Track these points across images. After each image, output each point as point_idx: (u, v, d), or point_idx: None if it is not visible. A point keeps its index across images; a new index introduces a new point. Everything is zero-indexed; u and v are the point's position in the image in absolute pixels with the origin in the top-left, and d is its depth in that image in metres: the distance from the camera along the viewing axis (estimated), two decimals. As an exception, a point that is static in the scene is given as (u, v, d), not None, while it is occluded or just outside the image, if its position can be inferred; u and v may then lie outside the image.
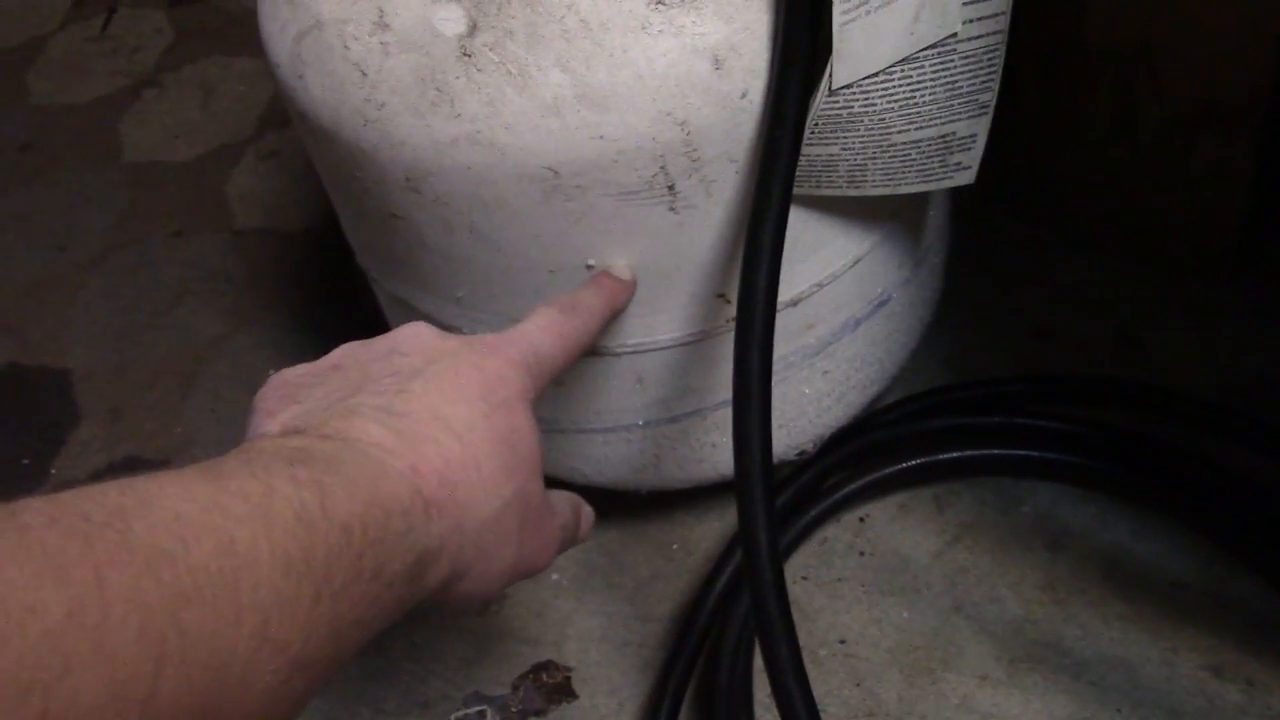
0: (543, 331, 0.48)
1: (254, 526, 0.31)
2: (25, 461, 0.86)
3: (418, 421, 0.40)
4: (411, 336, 0.45)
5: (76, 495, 0.29)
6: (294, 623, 0.31)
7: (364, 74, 0.51)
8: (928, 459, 0.69)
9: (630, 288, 0.55)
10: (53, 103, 1.21)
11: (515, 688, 0.67)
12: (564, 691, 0.67)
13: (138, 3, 1.31)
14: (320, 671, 0.33)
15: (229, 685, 0.29)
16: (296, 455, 0.36)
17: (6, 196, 1.10)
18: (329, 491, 0.34)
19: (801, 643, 0.47)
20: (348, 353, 0.46)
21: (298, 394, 0.43)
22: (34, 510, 0.28)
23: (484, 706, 0.66)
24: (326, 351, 0.47)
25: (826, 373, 0.63)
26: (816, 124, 0.50)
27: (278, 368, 0.95)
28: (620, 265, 0.55)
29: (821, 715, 0.47)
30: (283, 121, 1.11)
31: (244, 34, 1.23)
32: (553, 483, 0.68)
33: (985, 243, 0.82)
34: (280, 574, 0.31)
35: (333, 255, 0.91)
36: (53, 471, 0.86)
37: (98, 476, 0.84)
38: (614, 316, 0.54)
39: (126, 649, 0.27)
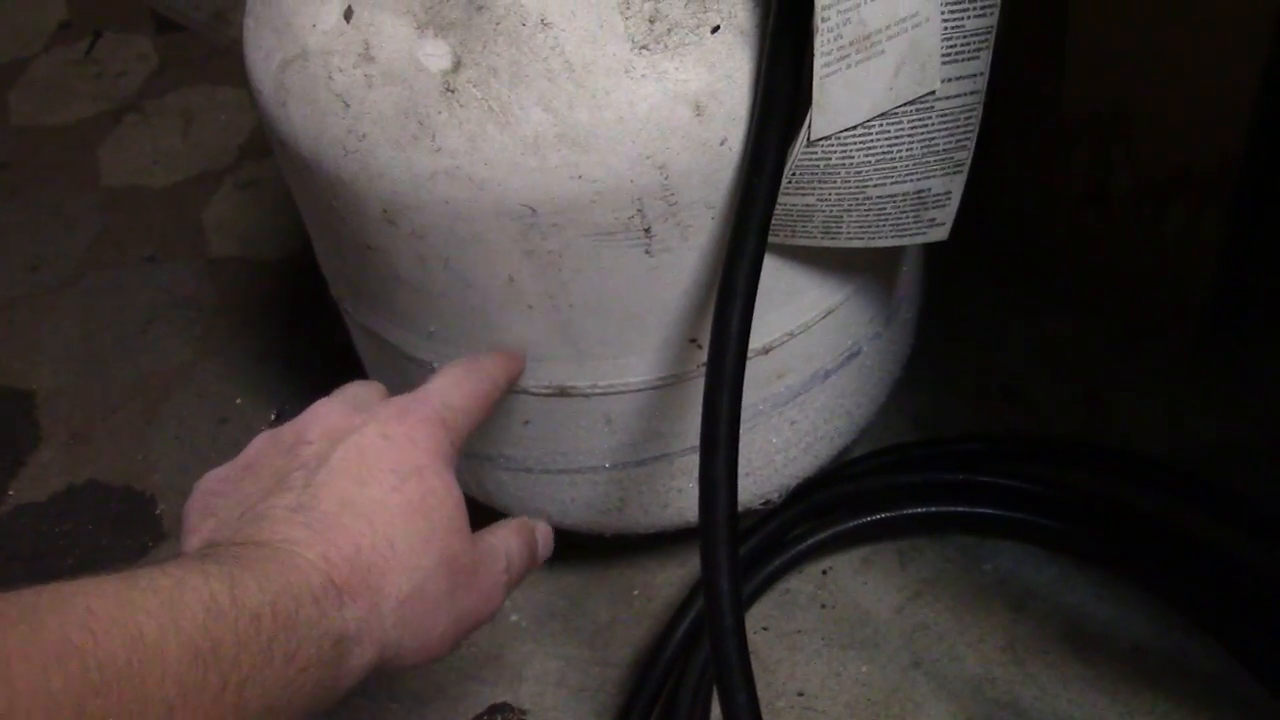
0: (453, 386, 0.50)
1: (162, 618, 0.33)
2: (-17, 482, 0.85)
3: (326, 512, 0.42)
4: (317, 420, 0.47)
5: None
6: (199, 711, 0.33)
7: (347, 105, 0.51)
8: (892, 514, 0.69)
9: (522, 364, 0.56)
10: (33, 124, 1.21)
11: (470, 729, 0.67)
12: (519, 735, 0.66)
13: (124, 28, 1.31)
14: None
15: None
16: (209, 555, 0.38)
17: (-19, 215, 1.10)
18: (239, 582, 0.36)
19: (760, 694, 0.47)
20: (259, 449, 0.47)
21: (214, 505, 0.45)
22: None
23: (437, 747, 0.65)
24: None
25: (795, 423, 0.63)
26: (794, 174, 0.51)
27: (244, 398, 0.94)
28: (513, 347, 0.56)
29: (777, 766, 0.47)
30: (262, 152, 1.11)
31: (228, 63, 1.23)
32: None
33: (957, 301, 0.83)
34: (187, 664, 0.32)
35: (305, 286, 0.90)
36: (11, 493, 0.84)
37: (57, 500, 0.83)
38: (509, 386, 0.56)
39: None
